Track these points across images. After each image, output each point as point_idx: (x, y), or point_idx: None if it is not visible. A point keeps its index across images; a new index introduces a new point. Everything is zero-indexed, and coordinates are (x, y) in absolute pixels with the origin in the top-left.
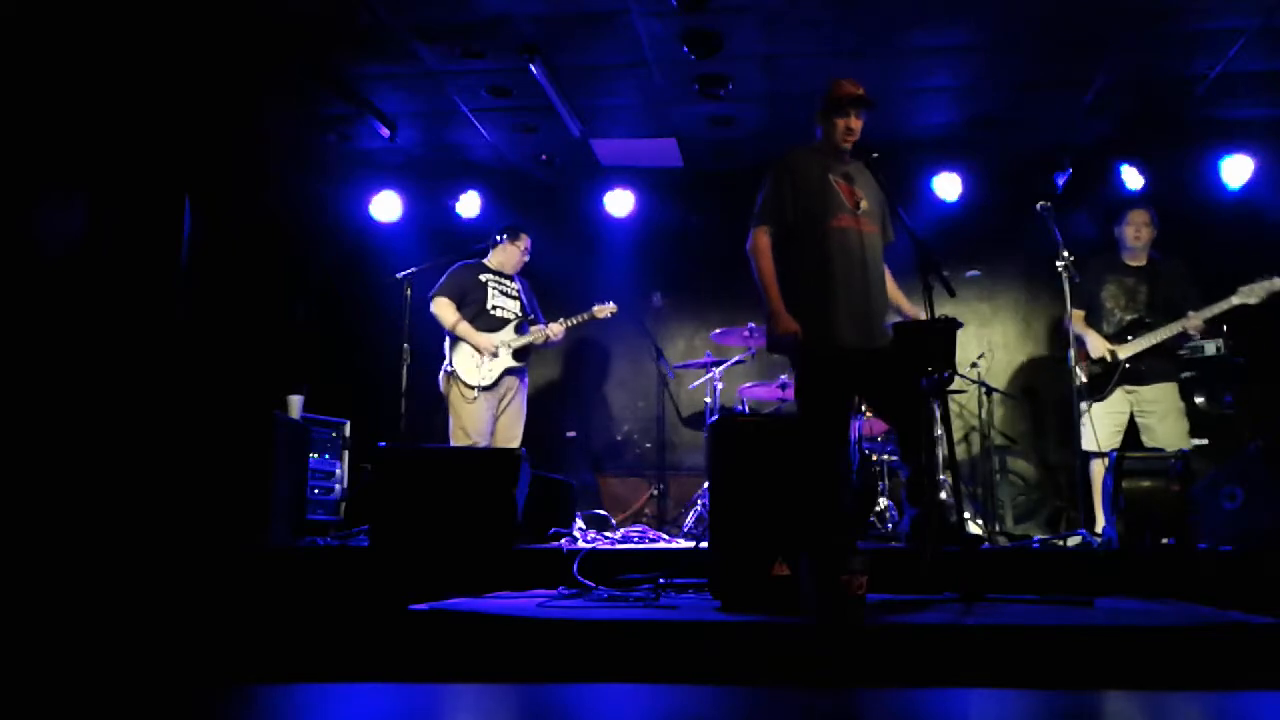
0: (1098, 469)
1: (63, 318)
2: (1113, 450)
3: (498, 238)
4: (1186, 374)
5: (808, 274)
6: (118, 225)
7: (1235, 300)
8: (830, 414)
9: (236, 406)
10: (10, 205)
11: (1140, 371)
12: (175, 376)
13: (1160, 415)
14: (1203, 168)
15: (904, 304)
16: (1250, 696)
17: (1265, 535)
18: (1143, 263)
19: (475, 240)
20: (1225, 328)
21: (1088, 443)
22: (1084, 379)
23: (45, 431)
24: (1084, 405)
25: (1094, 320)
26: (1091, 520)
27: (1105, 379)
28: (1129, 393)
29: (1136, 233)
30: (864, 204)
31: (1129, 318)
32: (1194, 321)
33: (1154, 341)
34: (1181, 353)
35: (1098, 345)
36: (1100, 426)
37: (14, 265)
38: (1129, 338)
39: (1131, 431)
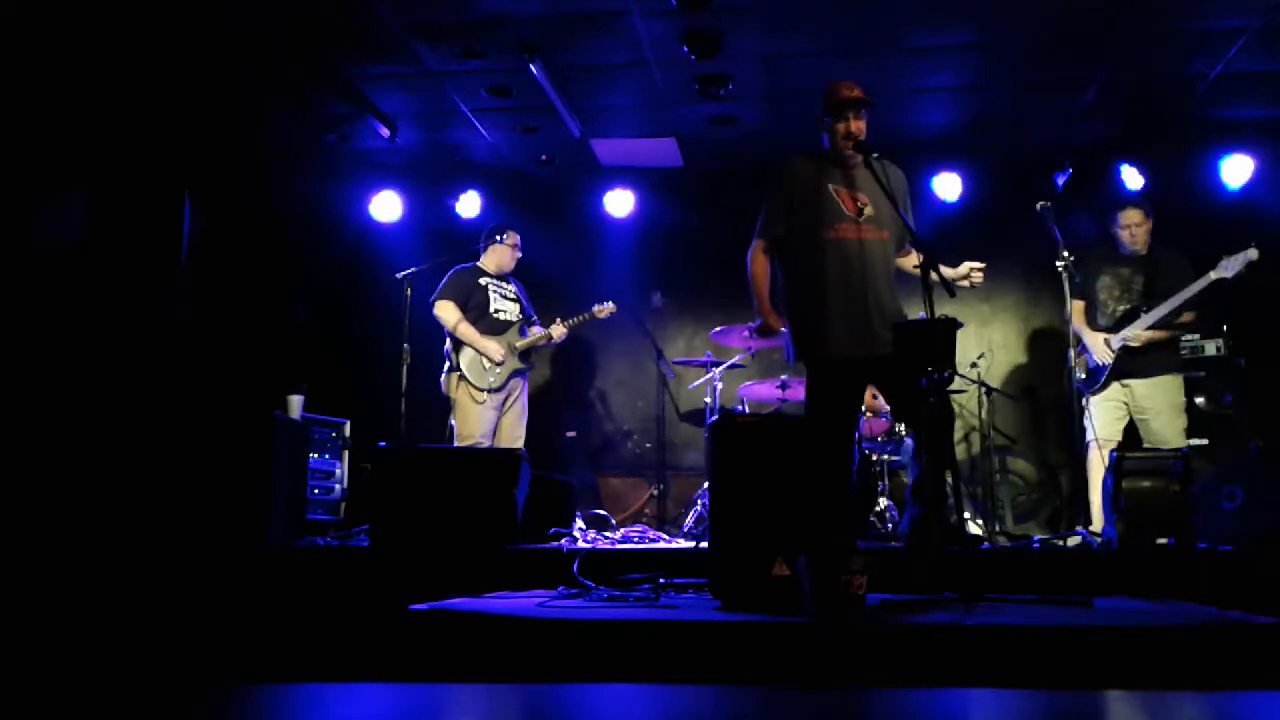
0: (1095, 459)
1: (63, 316)
2: (1113, 451)
3: (497, 238)
4: (1191, 373)
5: (804, 285)
6: (118, 224)
7: (1213, 275)
8: (832, 420)
9: (236, 406)
10: (10, 204)
11: (1134, 365)
12: (175, 376)
13: (1156, 410)
14: (1203, 168)
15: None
16: (1250, 696)
17: (1265, 535)
18: (1141, 254)
19: (474, 241)
20: (1225, 328)
21: (1089, 433)
22: (1081, 375)
23: (45, 431)
24: (1083, 399)
25: (1091, 314)
26: (1088, 517)
27: (1099, 370)
28: (1124, 386)
29: (1132, 234)
30: (868, 209)
31: (1122, 308)
32: (1173, 304)
33: (1144, 326)
34: (1182, 351)
35: (1098, 349)
36: (1098, 415)
37: (14, 264)
38: (1123, 327)
39: (1130, 428)
